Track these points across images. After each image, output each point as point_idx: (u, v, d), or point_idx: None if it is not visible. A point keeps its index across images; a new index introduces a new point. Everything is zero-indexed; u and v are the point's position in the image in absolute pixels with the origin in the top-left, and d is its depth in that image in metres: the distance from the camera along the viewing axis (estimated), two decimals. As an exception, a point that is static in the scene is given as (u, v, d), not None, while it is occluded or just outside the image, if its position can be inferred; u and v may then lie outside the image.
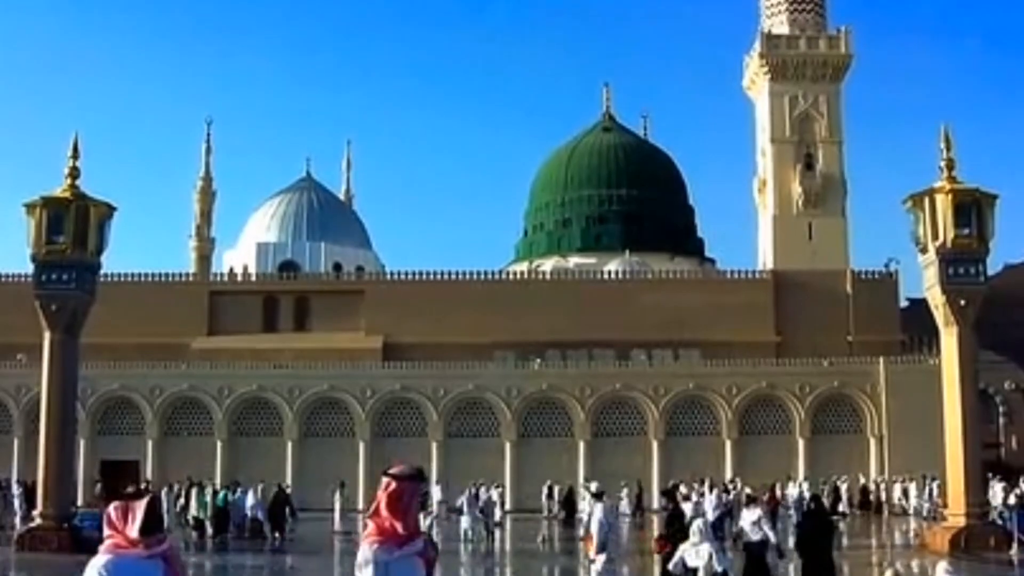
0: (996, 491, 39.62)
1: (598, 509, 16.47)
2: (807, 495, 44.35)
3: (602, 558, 16.29)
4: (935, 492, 46.93)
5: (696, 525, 18.14)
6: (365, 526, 5.15)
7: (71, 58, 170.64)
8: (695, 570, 19.27)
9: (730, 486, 43.22)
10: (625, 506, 47.56)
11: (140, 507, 4.96)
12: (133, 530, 4.90)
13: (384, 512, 4.87)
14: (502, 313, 63.52)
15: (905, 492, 50.25)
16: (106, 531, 5.02)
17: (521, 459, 55.78)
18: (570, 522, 43.47)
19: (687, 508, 26.09)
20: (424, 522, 37.47)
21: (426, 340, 61.60)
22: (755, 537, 18.30)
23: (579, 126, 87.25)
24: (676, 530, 19.34)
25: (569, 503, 46.79)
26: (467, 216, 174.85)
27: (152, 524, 4.97)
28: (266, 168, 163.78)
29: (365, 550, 4.93)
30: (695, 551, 19.35)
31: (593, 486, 17.43)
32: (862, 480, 53.09)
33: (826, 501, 34.76)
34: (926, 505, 46.60)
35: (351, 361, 58.56)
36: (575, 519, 42.49)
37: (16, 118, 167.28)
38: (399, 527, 4.83)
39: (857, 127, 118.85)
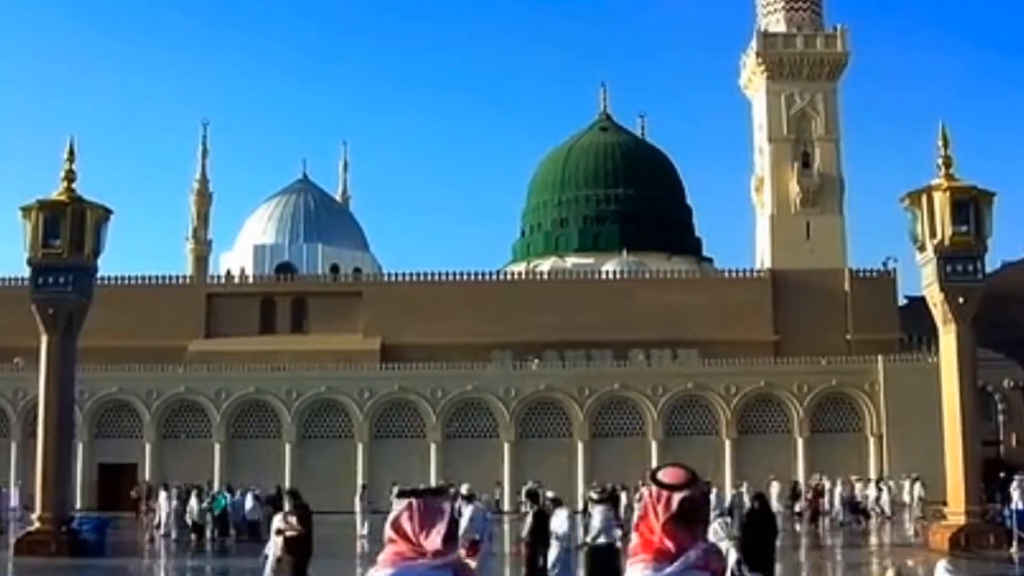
0: None
1: (467, 511, 16.17)
2: (844, 495, 44.49)
3: (470, 563, 15.83)
4: (889, 492, 46.99)
5: (715, 524, 18.02)
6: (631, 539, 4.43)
7: (67, 60, 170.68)
8: None
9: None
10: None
11: (443, 510, 4.08)
12: (435, 540, 4.01)
13: (653, 523, 4.18)
14: (500, 314, 63.46)
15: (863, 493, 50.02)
16: (390, 534, 4.08)
17: (520, 460, 55.69)
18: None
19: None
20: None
21: (424, 341, 61.54)
22: (602, 540, 17.48)
23: (576, 126, 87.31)
24: (540, 533, 18.83)
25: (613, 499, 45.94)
26: (464, 217, 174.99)
27: (453, 530, 4.10)
28: (262, 170, 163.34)
29: (631, 572, 4.23)
30: None
31: (464, 488, 16.97)
32: (816, 480, 49.00)
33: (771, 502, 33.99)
34: (884, 505, 46.56)
35: (349, 363, 58.47)
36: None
37: (12, 121, 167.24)
38: (668, 541, 4.14)
39: (854, 125, 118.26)
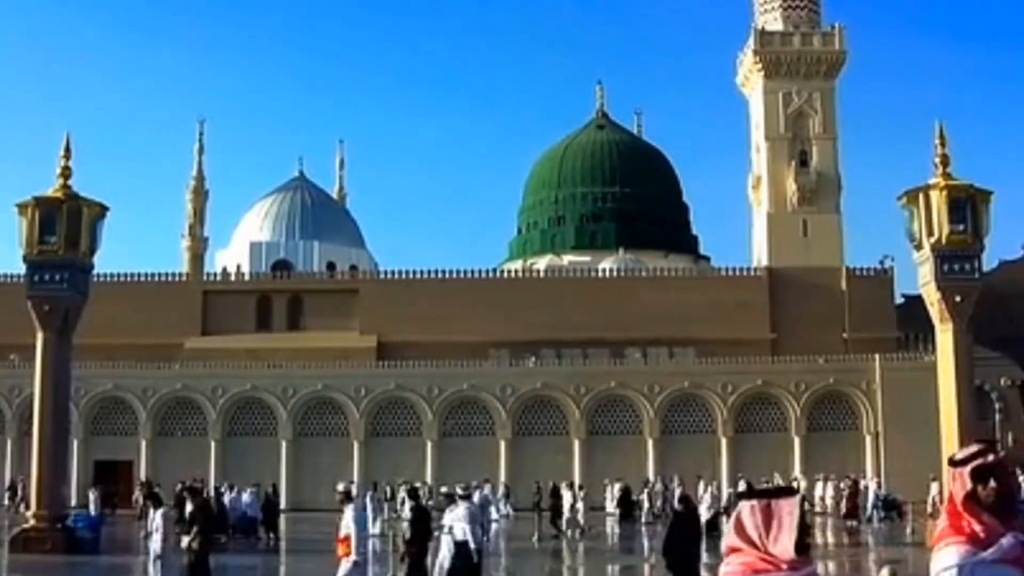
0: None
1: (348, 510, 16.13)
2: (877, 494, 44.56)
3: (348, 562, 15.57)
4: (839, 492, 47.08)
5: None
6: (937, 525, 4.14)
7: (63, 57, 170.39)
8: None
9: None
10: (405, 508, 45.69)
11: (791, 512, 3.62)
12: (786, 545, 3.56)
13: (959, 508, 3.91)
14: (496, 312, 63.42)
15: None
16: (734, 541, 3.66)
17: (516, 458, 55.66)
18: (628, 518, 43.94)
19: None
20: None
21: (420, 339, 61.50)
22: (463, 538, 17.72)
23: (572, 124, 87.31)
24: (422, 532, 18.80)
25: (626, 502, 46.47)
26: (461, 214, 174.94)
27: (805, 536, 3.62)
28: (259, 167, 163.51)
29: (942, 555, 3.92)
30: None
31: (341, 486, 16.83)
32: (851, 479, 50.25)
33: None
34: (829, 503, 46.70)
35: (345, 360, 58.42)
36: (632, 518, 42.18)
37: (8, 118, 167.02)
38: (976, 525, 3.84)
39: (851, 124, 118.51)
